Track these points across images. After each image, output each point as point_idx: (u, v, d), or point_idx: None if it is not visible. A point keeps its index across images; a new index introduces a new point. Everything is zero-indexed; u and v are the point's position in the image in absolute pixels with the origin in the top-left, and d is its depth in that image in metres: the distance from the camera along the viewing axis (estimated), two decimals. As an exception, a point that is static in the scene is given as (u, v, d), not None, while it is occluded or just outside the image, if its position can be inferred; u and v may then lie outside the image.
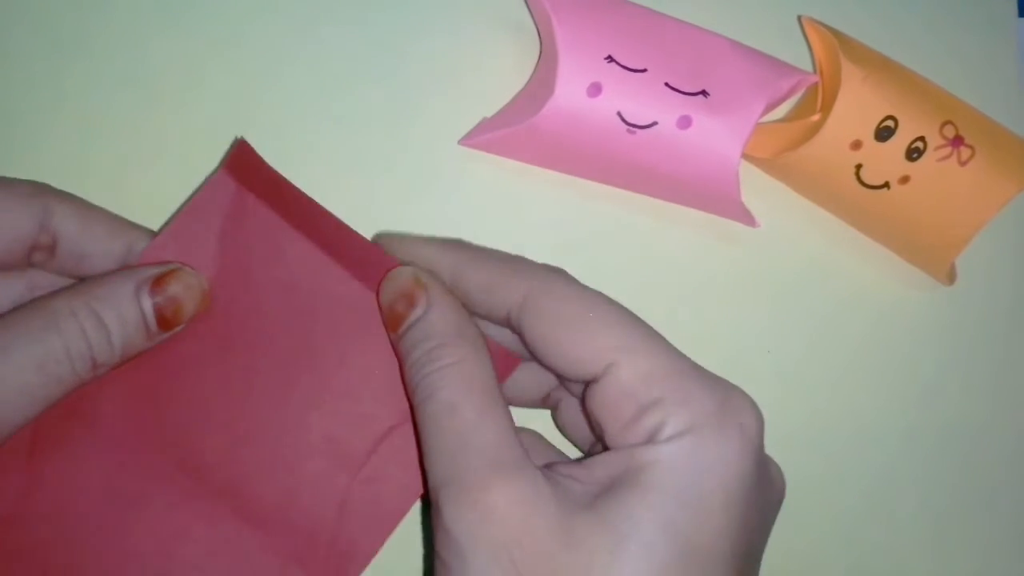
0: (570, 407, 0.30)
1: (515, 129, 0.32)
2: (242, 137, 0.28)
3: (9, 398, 0.24)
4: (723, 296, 0.36)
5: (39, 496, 0.26)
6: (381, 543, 0.28)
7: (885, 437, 0.37)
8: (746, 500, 0.24)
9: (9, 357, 0.24)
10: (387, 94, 0.34)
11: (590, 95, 0.31)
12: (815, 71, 0.35)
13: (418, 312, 0.26)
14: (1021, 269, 0.38)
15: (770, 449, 0.36)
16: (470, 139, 0.34)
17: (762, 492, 0.25)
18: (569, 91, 0.31)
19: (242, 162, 0.28)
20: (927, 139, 0.33)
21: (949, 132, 0.33)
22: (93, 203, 0.28)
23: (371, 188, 0.34)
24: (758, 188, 0.36)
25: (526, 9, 0.34)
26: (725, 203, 0.33)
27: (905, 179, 0.34)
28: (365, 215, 0.33)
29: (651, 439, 0.24)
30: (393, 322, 0.27)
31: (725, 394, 0.25)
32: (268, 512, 0.27)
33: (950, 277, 0.36)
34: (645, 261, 0.35)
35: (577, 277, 0.35)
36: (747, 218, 0.34)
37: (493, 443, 0.24)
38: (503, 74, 0.35)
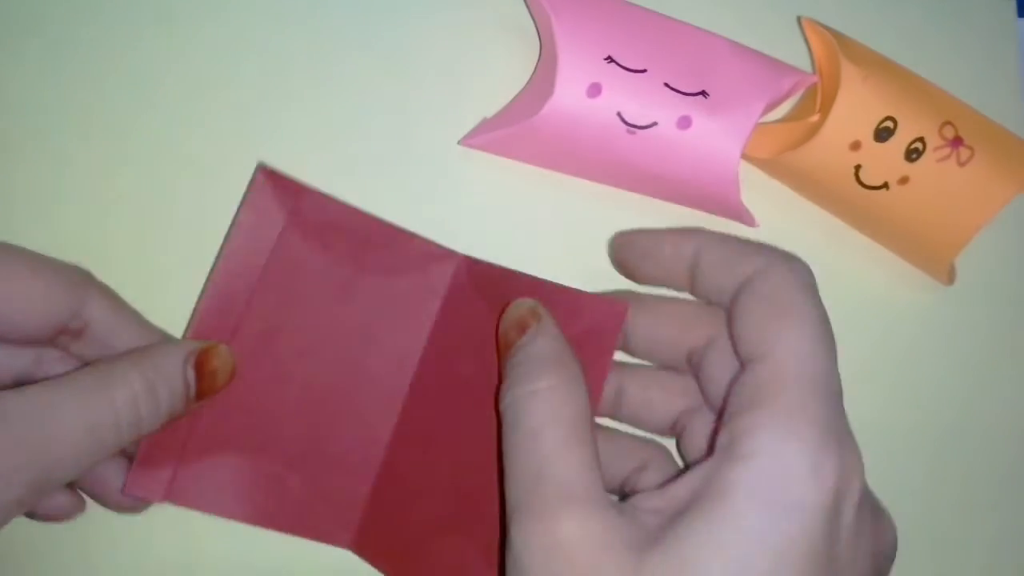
0: (694, 433, 0.29)
1: (515, 129, 0.32)
2: (262, 163, 0.29)
3: (60, 456, 0.24)
4: (722, 296, 0.36)
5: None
6: None
7: (884, 437, 0.37)
8: (829, 550, 0.22)
9: (63, 417, 0.24)
10: (387, 94, 0.34)
11: (590, 95, 0.31)
12: (814, 71, 0.36)
13: (526, 339, 0.27)
14: (1020, 269, 0.38)
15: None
16: (470, 139, 0.34)
17: (857, 546, 0.23)
18: (569, 91, 0.31)
19: (268, 190, 0.30)
20: (926, 140, 0.33)
21: (948, 133, 0.33)
22: (126, 302, 0.30)
23: (371, 188, 0.34)
24: (758, 188, 0.36)
25: (526, 10, 0.35)
26: (725, 203, 0.34)
27: (904, 179, 0.34)
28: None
29: (734, 442, 0.23)
30: (505, 347, 0.28)
31: (833, 439, 0.23)
32: None
33: (949, 277, 0.36)
34: (645, 261, 0.35)
35: (577, 277, 0.35)
36: (747, 218, 0.34)
37: (570, 475, 0.23)
38: (503, 74, 0.35)
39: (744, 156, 0.33)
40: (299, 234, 0.30)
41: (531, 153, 0.34)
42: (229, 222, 0.32)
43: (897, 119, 0.33)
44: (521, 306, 0.28)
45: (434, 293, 0.31)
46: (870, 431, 0.37)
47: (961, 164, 0.34)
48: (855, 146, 0.33)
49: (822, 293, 0.37)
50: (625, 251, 0.31)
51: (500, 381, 0.27)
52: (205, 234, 0.32)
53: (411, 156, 0.34)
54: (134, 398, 0.26)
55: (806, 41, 0.36)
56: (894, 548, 0.26)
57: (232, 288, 0.29)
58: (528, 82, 0.34)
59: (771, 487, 0.22)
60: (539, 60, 0.35)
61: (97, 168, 0.33)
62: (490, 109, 0.34)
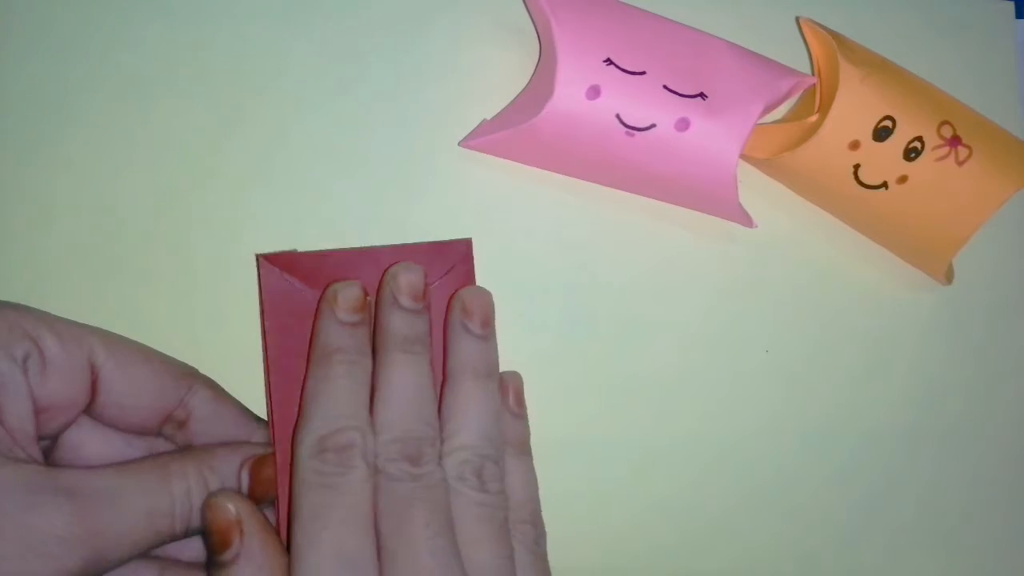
0: None
1: (515, 131, 0.32)
2: (258, 254, 0.30)
3: (118, 535, 0.25)
4: (721, 296, 0.36)
5: None
6: None
7: (883, 436, 0.37)
8: None
9: (126, 499, 0.26)
10: (387, 95, 0.34)
11: (589, 97, 0.31)
12: (813, 72, 0.36)
13: (230, 554, 0.26)
14: (1019, 268, 0.38)
15: (768, 448, 0.36)
16: (470, 140, 0.34)
17: None
18: (568, 93, 0.31)
19: (275, 271, 0.30)
20: (925, 139, 0.33)
21: (947, 132, 0.33)
22: (226, 391, 0.30)
23: (371, 189, 0.34)
24: (756, 188, 0.36)
25: (526, 11, 0.35)
26: (723, 205, 0.34)
27: (903, 179, 0.34)
28: (366, 216, 0.33)
29: None
30: (212, 548, 0.27)
31: None
32: None
33: (948, 277, 0.37)
34: (643, 262, 0.35)
35: (577, 279, 0.35)
36: (745, 219, 0.34)
37: None
38: (503, 76, 0.35)
39: (743, 157, 0.33)
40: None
41: (531, 154, 0.34)
42: (231, 232, 0.33)
43: (896, 119, 0.33)
44: (223, 511, 0.27)
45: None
46: (870, 431, 0.37)
47: (959, 163, 0.34)
48: (854, 146, 0.33)
49: (820, 292, 0.37)
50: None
51: None
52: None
53: (411, 157, 0.34)
54: (188, 491, 0.27)
55: (805, 42, 0.36)
56: None
57: (290, 369, 0.29)
58: (528, 84, 0.34)
59: None
60: (539, 62, 0.35)
61: (98, 169, 0.33)
62: (490, 111, 0.34)
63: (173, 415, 0.29)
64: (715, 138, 0.32)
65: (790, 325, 0.36)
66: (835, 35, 0.34)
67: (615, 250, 0.35)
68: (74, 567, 0.24)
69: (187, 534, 0.27)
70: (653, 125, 0.32)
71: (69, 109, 0.33)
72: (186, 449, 0.29)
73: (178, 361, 0.30)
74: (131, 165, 0.33)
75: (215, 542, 0.26)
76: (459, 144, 0.34)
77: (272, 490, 0.28)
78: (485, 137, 0.33)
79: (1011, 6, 0.39)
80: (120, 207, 0.33)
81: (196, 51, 0.34)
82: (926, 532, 0.37)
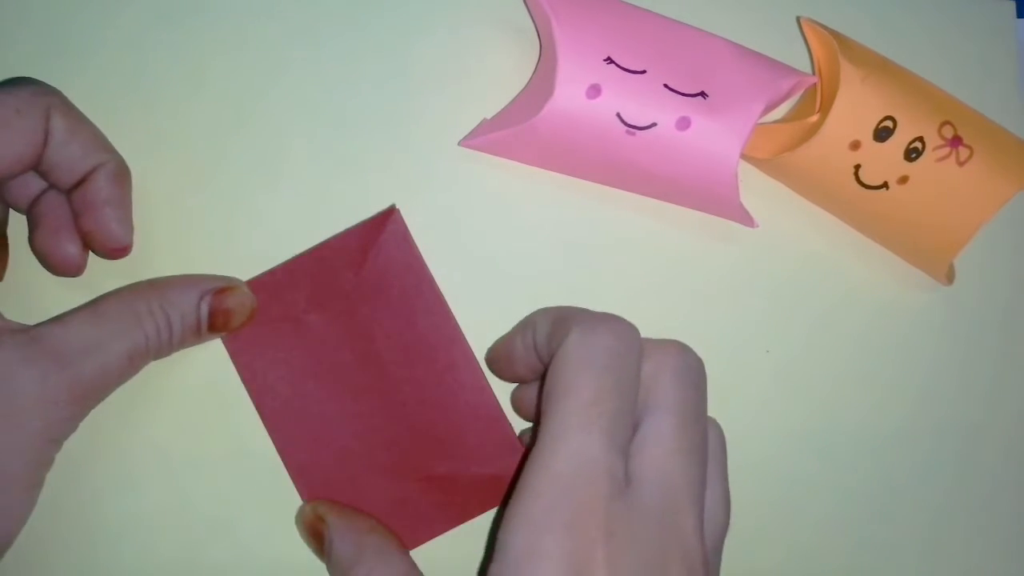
0: None
1: (515, 130, 0.32)
2: (394, 206, 0.32)
3: (104, 383, 0.28)
4: (722, 296, 0.36)
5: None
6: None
7: (883, 437, 0.37)
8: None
9: (106, 353, 0.28)
10: (387, 95, 0.34)
11: (589, 96, 0.31)
12: (814, 72, 0.36)
13: (327, 544, 0.30)
14: (1019, 269, 0.38)
15: (768, 447, 0.36)
16: (470, 140, 0.34)
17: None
18: (568, 92, 0.31)
19: (390, 228, 0.32)
20: (926, 139, 0.33)
21: (948, 132, 0.33)
22: (81, 113, 0.30)
23: (371, 189, 0.34)
24: (757, 188, 0.36)
25: (526, 10, 0.35)
26: (724, 204, 0.34)
27: (904, 179, 0.34)
28: (366, 216, 0.33)
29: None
30: (317, 554, 0.31)
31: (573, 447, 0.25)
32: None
33: (949, 277, 0.37)
34: (644, 262, 0.35)
35: (577, 278, 0.35)
36: (746, 219, 0.34)
37: None
38: (503, 75, 0.35)
39: (744, 156, 0.33)
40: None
41: (531, 154, 0.34)
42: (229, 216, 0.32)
43: (896, 119, 0.33)
44: (306, 515, 0.31)
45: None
46: (868, 430, 0.37)
47: (960, 164, 0.34)
48: (855, 146, 0.33)
49: (821, 292, 0.37)
50: (496, 366, 0.32)
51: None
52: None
53: (411, 157, 0.34)
54: (156, 328, 0.29)
55: (805, 41, 0.36)
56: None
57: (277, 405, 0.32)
58: (528, 83, 0.34)
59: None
60: (539, 61, 0.35)
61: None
62: (490, 110, 0.34)
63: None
64: (716, 137, 0.32)
65: (790, 325, 0.36)
66: (836, 35, 0.34)
67: (615, 250, 0.35)
68: (64, 422, 0.28)
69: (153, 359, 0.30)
70: (654, 124, 0.32)
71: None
72: (144, 284, 0.30)
73: (30, 86, 0.29)
74: (131, 165, 0.33)
75: (316, 544, 0.31)
76: (459, 144, 0.34)
77: (233, 323, 0.31)
78: (485, 137, 0.33)
79: (1011, 6, 0.39)
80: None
81: (196, 52, 0.34)
82: (924, 531, 0.37)
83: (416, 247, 0.32)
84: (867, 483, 0.37)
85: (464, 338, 0.32)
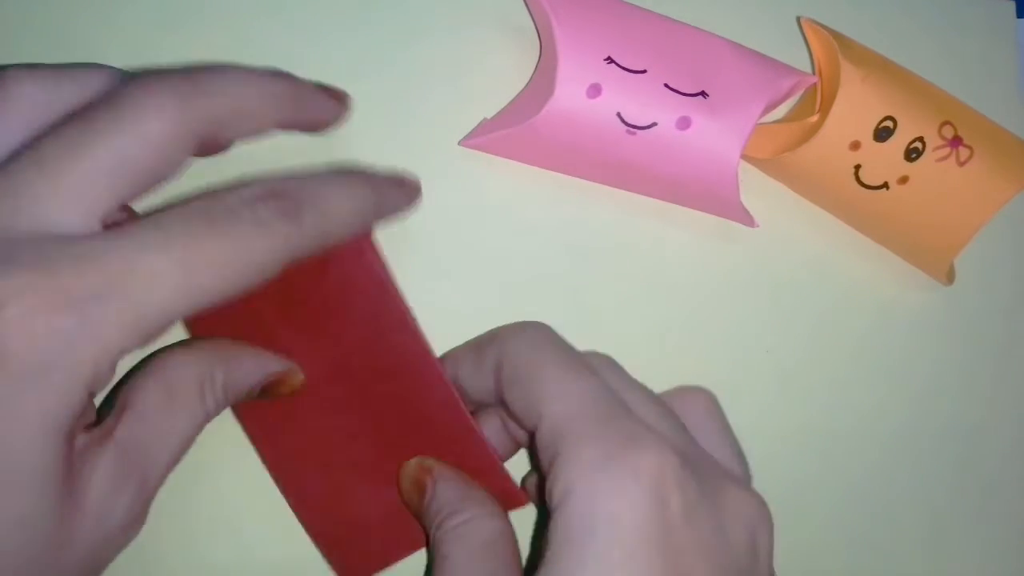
0: None
1: (515, 130, 0.32)
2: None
3: (168, 462, 0.26)
4: (722, 296, 0.36)
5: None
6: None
7: (884, 437, 0.37)
8: (658, 544, 0.23)
9: (172, 440, 0.26)
10: (387, 94, 0.34)
11: (590, 96, 0.31)
12: (814, 72, 0.36)
13: (428, 495, 0.29)
14: (1020, 269, 0.38)
15: (768, 447, 0.36)
16: (470, 140, 0.34)
17: (697, 527, 0.24)
18: (569, 92, 0.31)
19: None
20: (926, 139, 0.33)
21: (948, 132, 0.33)
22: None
23: (372, 188, 0.34)
24: (757, 188, 0.36)
25: (526, 10, 0.35)
26: (724, 203, 0.34)
27: (904, 179, 0.34)
28: (366, 215, 0.33)
29: (552, 495, 0.24)
30: (414, 509, 0.30)
31: (626, 439, 0.24)
32: None
33: (949, 277, 0.37)
34: (644, 261, 0.35)
35: (577, 279, 0.35)
36: (746, 218, 0.34)
37: None
38: (503, 74, 0.35)
39: (744, 156, 0.33)
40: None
41: (531, 154, 0.34)
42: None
43: (897, 119, 0.33)
44: (410, 468, 0.30)
45: None
46: (869, 431, 0.37)
47: (960, 164, 0.34)
48: (855, 146, 0.33)
49: (821, 292, 0.37)
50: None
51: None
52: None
53: (411, 156, 0.34)
54: (217, 406, 0.27)
55: (805, 41, 0.36)
56: (759, 516, 0.26)
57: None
58: (528, 83, 0.34)
59: (579, 517, 0.23)
60: (539, 60, 0.35)
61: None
62: (490, 110, 0.34)
63: None
64: (716, 136, 0.32)
65: (791, 325, 0.36)
66: (836, 35, 0.34)
67: (615, 250, 0.35)
68: (120, 344, 0.22)
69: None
70: (654, 124, 0.32)
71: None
72: (210, 351, 0.28)
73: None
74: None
75: (417, 497, 0.29)
76: (459, 144, 0.34)
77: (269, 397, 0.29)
78: (485, 136, 0.33)
79: (1011, 6, 0.39)
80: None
81: (195, 51, 0.34)
82: (924, 532, 0.37)
83: (380, 260, 0.29)
84: (867, 483, 0.37)
85: (433, 358, 0.30)
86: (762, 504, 0.26)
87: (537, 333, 0.28)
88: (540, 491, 0.26)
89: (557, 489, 0.24)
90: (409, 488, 0.29)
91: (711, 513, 0.24)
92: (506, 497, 0.29)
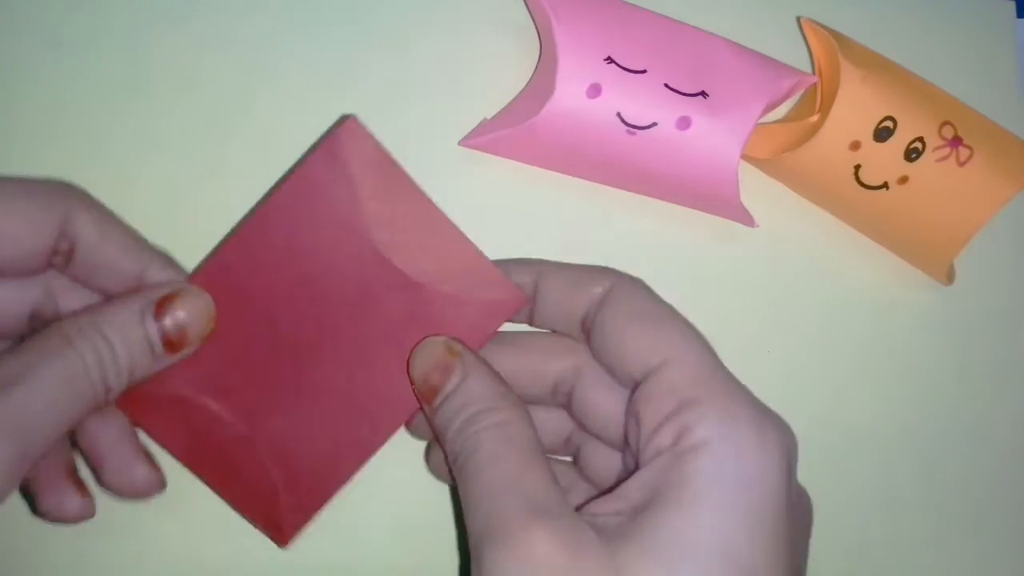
0: (590, 452, 0.30)
1: (515, 130, 0.32)
2: (352, 116, 0.28)
3: (42, 412, 0.24)
4: (722, 296, 0.36)
5: None
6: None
7: (884, 437, 0.37)
8: (790, 518, 0.23)
9: (38, 373, 0.24)
10: (387, 94, 0.34)
11: (590, 96, 0.31)
12: (814, 72, 0.36)
13: (455, 381, 0.26)
14: (1020, 269, 0.38)
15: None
16: (470, 140, 0.34)
17: (799, 513, 0.25)
18: (569, 92, 0.31)
19: (346, 141, 0.28)
20: (926, 139, 0.33)
21: (948, 132, 0.33)
22: (114, 213, 0.28)
23: (372, 188, 0.34)
24: (757, 188, 0.36)
25: (526, 10, 0.35)
26: (724, 203, 0.34)
27: (904, 179, 0.34)
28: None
29: (680, 438, 0.23)
30: (428, 394, 0.27)
31: (765, 412, 0.24)
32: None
33: (949, 277, 0.37)
34: (644, 261, 0.35)
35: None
36: (746, 218, 0.34)
37: (535, 491, 0.24)
38: (503, 74, 0.35)
39: (744, 156, 0.33)
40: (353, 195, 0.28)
41: (531, 154, 0.34)
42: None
43: (896, 119, 0.33)
44: (433, 345, 0.27)
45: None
46: (869, 431, 0.37)
47: (960, 164, 0.34)
48: (855, 146, 0.33)
49: (821, 292, 0.37)
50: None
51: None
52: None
53: (411, 157, 0.34)
54: (93, 348, 0.25)
55: (806, 41, 0.36)
56: (811, 517, 0.27)
57: (270, 235, 0.27)
58: (528, 83, 0.34)
59: (730, 466, 0.23)
60: (539, 60, 0.35)
61: (97, 169, 0.33)
62: (490, 110, 0.34)
63: (57, 247, 0.26)
64: (716, 136, 0.32)
65: (791, 325, 0.36)
66: (836, 35, 0.34)
67: (615, 250, 0.35)
68: (9, 462, 0.23)
69: (109, 396, 0.26)
70: (654, 124, 0.32)
71: (68, 107, 0.33)
72: (85, 309, 0.26)
73: (50, 182, 0.27)
74: (130, 166, 0.33)
75: (437, 378, 0.26)
76: (459, 144, 0.34)
77: (188, 336, 0.26)
78: (485, 136, 0.33)
79: (1011, 6, 0.39)
80: (118, 207, 0.33)
81: (194, 50, 0.34)
82: (925, 532, 0.37)
83: (388, 154, 0.28)
84: (867, 482, 0.37)
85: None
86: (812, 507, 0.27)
87: (645, 284, 0.27)
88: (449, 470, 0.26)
89: (698, 432, 0.23)
90: (428, 372, 0.27)
91: (799, 503, 0.25)
92: (505, 299, 0.28)
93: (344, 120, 0.28)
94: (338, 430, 0.29)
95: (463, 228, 0.34)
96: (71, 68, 0.33)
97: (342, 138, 0.28)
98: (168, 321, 0.26)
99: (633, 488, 0.24)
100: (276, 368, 0.29)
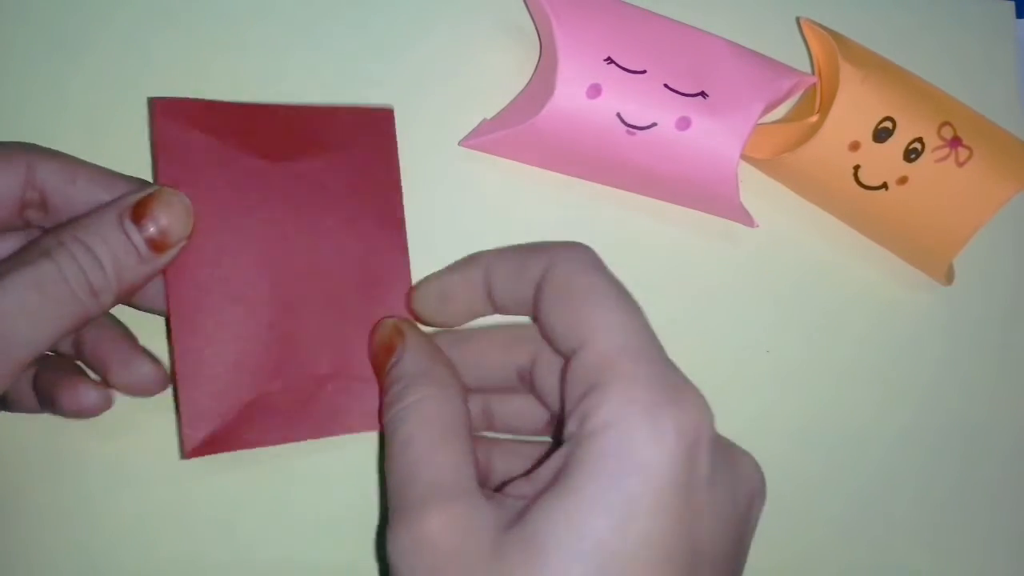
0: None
1: (515, 130, 0.32)
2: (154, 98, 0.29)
3: (15, 316, 0.24)
4: (722, 296, 0.36)
5: None
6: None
7: (884, 437, 0.37)
8: (684, 502, 0.23)
9: (9, 280, 0.24)
10: (387, 95, 0.34)
11: (590, 96, 0.31)
12: (814, 72, 0.36)
13: (394, 359, 0.28)
14: (1019, 269, 0.38)
15: (769, 448, 0.36)
16: (470, 140, 0.34)
17: (715, 492, 0.24)
18: (569, 92, 0.31)
19: (171, 119, 0.29)
20: (925, 140, 0.33)
21: (947, 133, 0.33)
22: (79, 157, 0.29)
23: (372, 188, 0.34)
24: (757, 189, 0.36)
25: (526, 10, 0.35)
26: (724, 204, 0.34)
27: (903, 180, 0.34)
28: (366, 215, 0.33)
29: (582, 424, 0.23)
30: (378, 369, 0.29)
31: (673, 391, 0.23)
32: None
33: (948, 277, 0.37)
34: (644, 261, 0.35)
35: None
36: (746, 219, 0.34)
37: (437, 474, 0.24)
38: (503, 75, 0.35)
39: (743, 156, 0.33)
40: (219, 146, 0.29)
41: (531, 154, 0.34)
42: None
43: (896, 119, 0.33)
44: (385, 327, 0.30)
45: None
46: (869, 430, 0.37)
47: (960, 164, 0.34)
48: (854, 146, 0.33)
49: (821, 293, 0.37)
50: (422, 302, 0.30)
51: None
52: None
53: (411, 156, 0.34)
54: (71, 256, 0.25)
55: (805, 42, 0.36)
56: (760, 488, 0.26)
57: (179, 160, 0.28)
58: (528, 83, 0.34)
59: (615, 454, 0.22)
60: (539, 61, 0.35)
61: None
62: (490, 110, 0.34)
63: (27, 199, 0.27)
64: (716, 136, 0.32)
65: (791, 325, 0.36)
66: (835, 35, 0.34)
67: (615, 250, 0.35)
68: None
69: (101, 301, 0.26)
70: (654, 124, 0.32)
71: (67, 106, 0.33)
72: (63, 223, 0.27)
73: (7, 143, 0.28)
74: (128, 165, 0.33)
75: (384, 356, 0.28)
76: (459, 143, 0.34)
77: (170, 232, 0.27)
78: (485, 136, 0.33)
79: (1011, 6, 0.39)
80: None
81: (195, 52, 0.34)
82: (924, 532, 0.37)
83: (397, 157, 0.31)
84: (868, 482, 0.37)
85: (406, 258, 0.31)
86: (763, 474, 0.26)
87: (587, 255, 0.27)
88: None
89: (594, 419, 0.23)
90: (377, 350, 0.29)
91: (727, 479, 0.24)
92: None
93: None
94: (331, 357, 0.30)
95: (463, 228, 0.34)
96: (71, 68, 0.33)
97: (159, 122, 0.29)
98: (147, 222, 0.27)
99: (543, 472, 0.24)
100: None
